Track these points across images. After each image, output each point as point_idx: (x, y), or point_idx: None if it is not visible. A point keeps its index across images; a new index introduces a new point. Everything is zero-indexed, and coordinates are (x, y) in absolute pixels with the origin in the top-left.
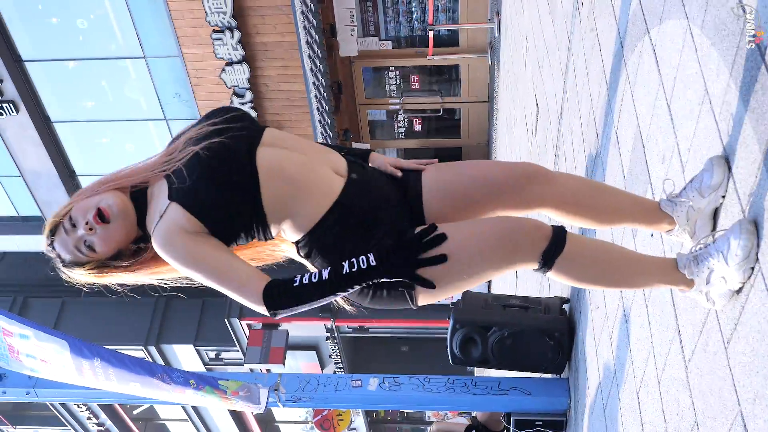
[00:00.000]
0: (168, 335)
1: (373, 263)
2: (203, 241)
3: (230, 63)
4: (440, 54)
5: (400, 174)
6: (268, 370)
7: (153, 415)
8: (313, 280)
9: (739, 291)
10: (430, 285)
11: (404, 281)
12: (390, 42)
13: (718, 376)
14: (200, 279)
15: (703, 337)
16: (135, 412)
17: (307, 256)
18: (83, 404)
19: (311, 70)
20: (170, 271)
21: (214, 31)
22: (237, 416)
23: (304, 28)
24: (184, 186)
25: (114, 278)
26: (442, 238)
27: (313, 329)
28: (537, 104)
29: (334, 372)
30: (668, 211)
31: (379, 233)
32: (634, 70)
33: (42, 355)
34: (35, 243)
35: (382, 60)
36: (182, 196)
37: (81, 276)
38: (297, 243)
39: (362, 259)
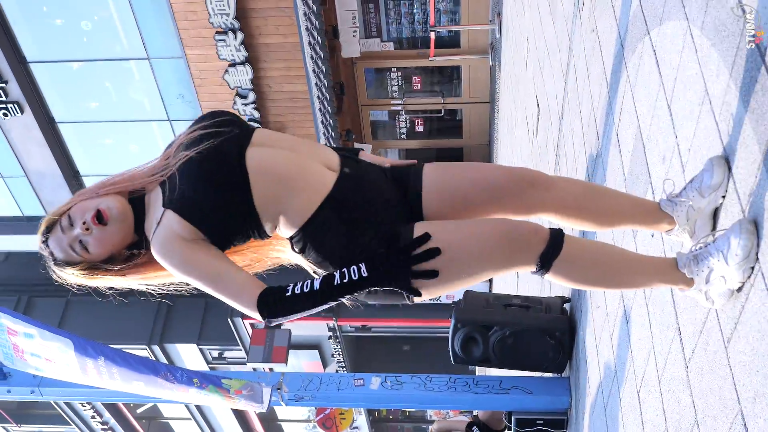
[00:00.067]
0: (171, 334)
1: (365, 274)
2: (199, 248)
3: (233, 64)
4: (442, 55)
5: (388, 164)
6: (271, 369)
7: (157, 414)
8: (305, 290)
9: (738, 290)
10: (417, 293)
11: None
12: (392, 43)
13: (719, 375)
14: (197, 285)
15: (704, 337)
16: (139, 410)
17: (301, 252)
18: (87, 403)
19: (314, 71)
20: (159, 277)
21: (217, 32)
22: (240, 415)
23: (307, 29)
24: (177, 192)
25: (103, 281)
26: (436, 252)
27: (316, 329)
28: (538, 105)
29: (337, 371)
30: (668, 210)
31: (372, 230)
32: (635, 71)
33: (46, 354)
34: None
35: (384, 61)
36: (176, 202)
37: (71, 276)
38: (291, 239)
39: (353, 269)
